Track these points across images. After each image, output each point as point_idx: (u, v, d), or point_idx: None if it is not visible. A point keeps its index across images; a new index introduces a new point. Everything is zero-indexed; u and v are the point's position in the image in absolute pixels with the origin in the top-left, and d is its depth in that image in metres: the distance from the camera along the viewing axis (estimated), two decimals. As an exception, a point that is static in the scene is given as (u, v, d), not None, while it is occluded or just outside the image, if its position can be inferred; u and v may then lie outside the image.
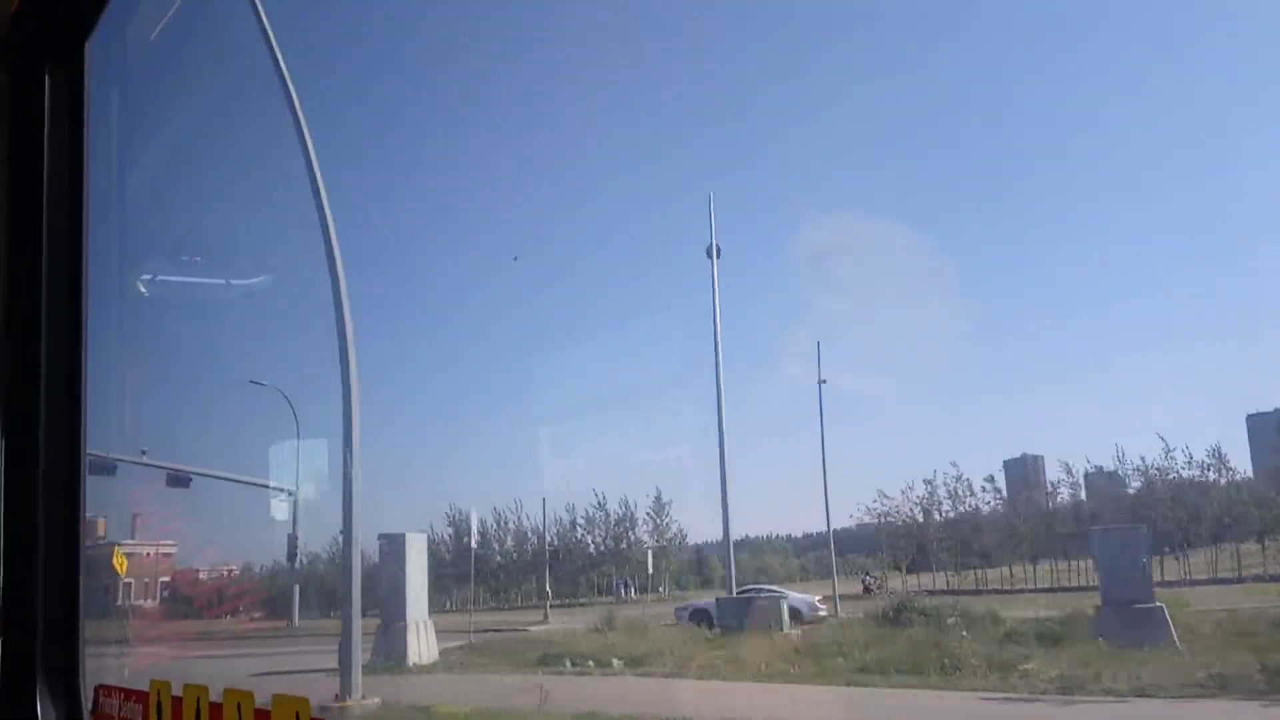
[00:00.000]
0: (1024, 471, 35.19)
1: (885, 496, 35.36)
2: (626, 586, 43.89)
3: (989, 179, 43.21)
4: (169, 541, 50.27)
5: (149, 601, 50.39)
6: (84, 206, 2.88)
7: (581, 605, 41.56)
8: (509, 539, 47.85)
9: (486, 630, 28.39)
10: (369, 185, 48.10)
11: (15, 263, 2.78)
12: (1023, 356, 45.94)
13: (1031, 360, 45.16)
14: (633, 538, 44.78)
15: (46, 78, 2.70)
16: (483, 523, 47.14)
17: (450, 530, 47.16)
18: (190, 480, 33.00)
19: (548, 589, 39.42)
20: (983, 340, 47.82)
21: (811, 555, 49.42)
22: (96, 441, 2.99)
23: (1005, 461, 35.13)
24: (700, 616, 23.94)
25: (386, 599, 20.00)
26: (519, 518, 47.50)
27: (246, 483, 36.65)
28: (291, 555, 40.02)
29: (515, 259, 51.14)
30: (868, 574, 34.84)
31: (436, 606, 44.58)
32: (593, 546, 46.46)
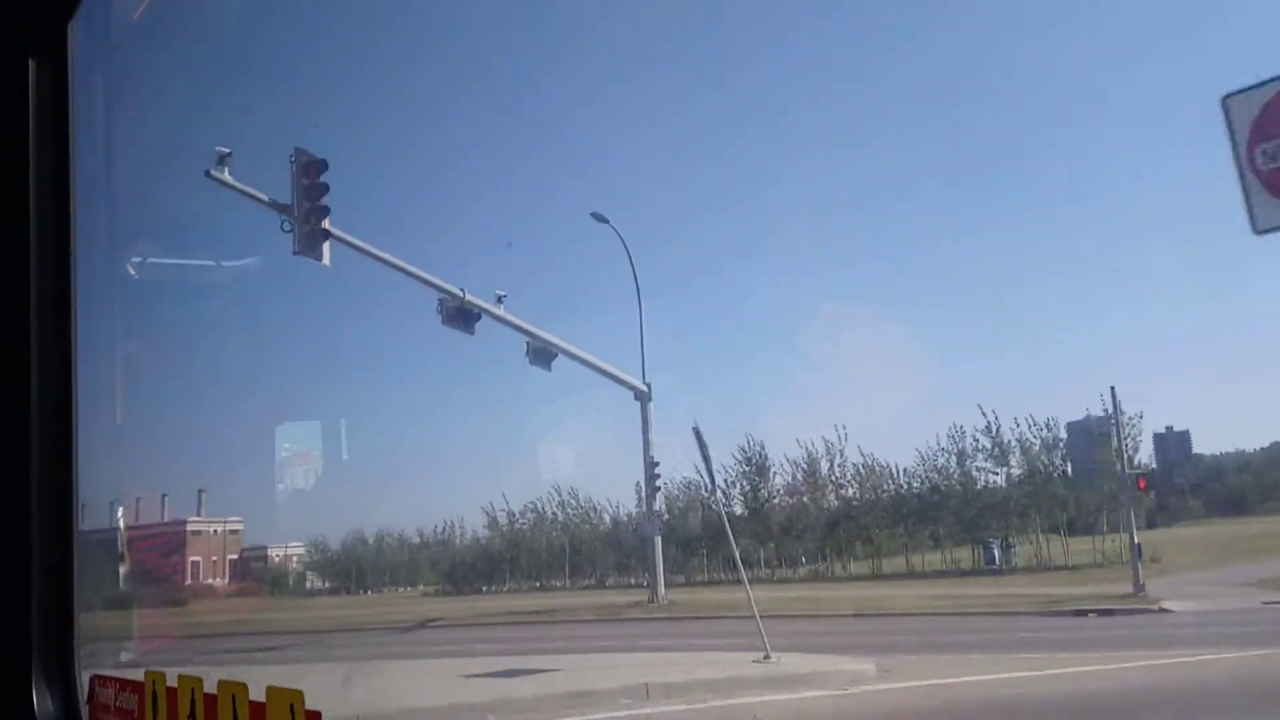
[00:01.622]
0: (1088, 433, 32.31)
1: None
2: (1006, 547, 30.43)
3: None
4: (235, 518, 44.93)
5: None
6: (70, 189, 2.85)
7: (958, 576, 29.19)
8: (848, 481, 32.59)
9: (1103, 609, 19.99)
10: (359, 161, 47.77)
11: (2, 247, 2.75)
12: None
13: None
14: (1065, 466, 30.62)
15: (30, 61, 2.66)
16: (787, 461, 33.25)
17: (743, 468, 33.45)
18: (555, 356, 24.90)
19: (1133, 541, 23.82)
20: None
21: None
22: (88, 425, 2.97)
23: (1068, 424, 31.71)
24: None
25: None
26: (842, 450, 32.35)
27: (598, 369, 25.85)
28: (653, 489, 26.79)
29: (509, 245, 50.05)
30: None
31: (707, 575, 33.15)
32: (1000, 481, 30.94)
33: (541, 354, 24.89)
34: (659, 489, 27.14)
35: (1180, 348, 43.97)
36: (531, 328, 24.66)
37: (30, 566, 2.57)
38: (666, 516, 29.35)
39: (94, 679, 2.65)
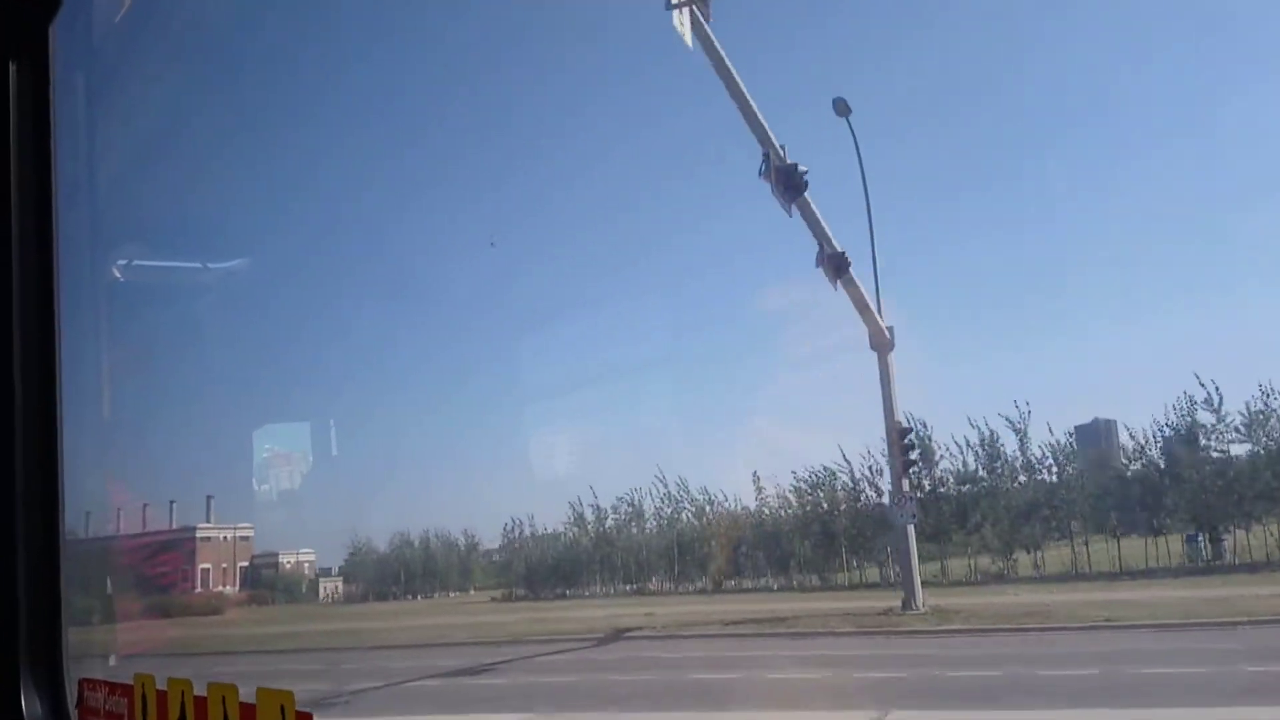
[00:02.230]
0: (1095, 437, 30.28)
1: None
2: (1217, 538, 25.95)
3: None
4: (245, 525, 43.25)
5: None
6: (53, 190, 2.83)
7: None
8: (1040, 463, 27.85)
9: None
10: (344, 161, 47.49)
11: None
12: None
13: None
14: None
15: (11, 63, 2.64)
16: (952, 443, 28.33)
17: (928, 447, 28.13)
18: (849, 266, 19.72)
19: None
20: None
21: None
22: (74, 429, 2.96)
23: (1077, 427, 29.63)
24: None
25: None
26: (1025, 428, 27.82)
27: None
28: (905, 463, 21.02)
29: (492, 244, 48.59)
30: None
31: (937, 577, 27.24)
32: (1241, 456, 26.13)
33: (836, 262, 19.49)
34: (914, 463, 21.71)
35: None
36: (828, 227, 19.02)
37: (16, 570, 2.56)
38: (917, 498, 22.98)
39: (83, 682, 2.64)
